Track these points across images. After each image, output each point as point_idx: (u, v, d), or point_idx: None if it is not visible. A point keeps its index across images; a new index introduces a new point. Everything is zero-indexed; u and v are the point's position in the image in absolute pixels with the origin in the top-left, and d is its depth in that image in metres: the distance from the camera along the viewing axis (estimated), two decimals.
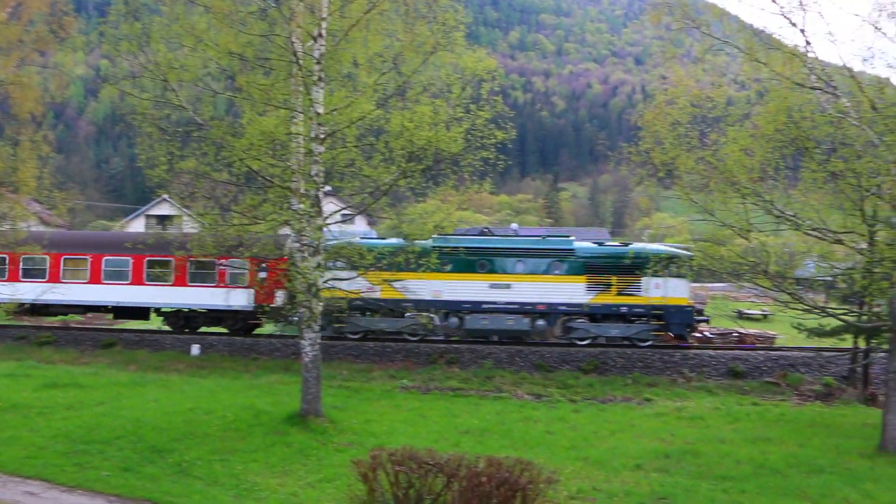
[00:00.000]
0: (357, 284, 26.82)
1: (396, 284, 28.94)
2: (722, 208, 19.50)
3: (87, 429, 18.32)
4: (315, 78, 18.91)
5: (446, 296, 30.90)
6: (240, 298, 31.55)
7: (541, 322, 31.09)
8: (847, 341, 27.74)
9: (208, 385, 25.12)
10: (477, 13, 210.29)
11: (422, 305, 30.65)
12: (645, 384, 27.66)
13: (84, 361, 29.09)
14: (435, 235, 28.69)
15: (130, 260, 32.18)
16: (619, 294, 30.46)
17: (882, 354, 20.33)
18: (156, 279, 32.51)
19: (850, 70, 19.40)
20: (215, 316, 33.22)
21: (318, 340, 20.00)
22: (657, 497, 14.80)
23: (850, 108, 18.92)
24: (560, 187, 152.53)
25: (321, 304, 19.87)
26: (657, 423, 22.14)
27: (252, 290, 31.63)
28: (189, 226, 25.18)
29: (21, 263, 32.55)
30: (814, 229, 19.12)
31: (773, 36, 20.12)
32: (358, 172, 20.29)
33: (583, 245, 32.08)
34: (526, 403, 24.88)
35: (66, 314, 36.32)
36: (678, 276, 30.40)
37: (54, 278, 32.59)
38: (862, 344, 25.88)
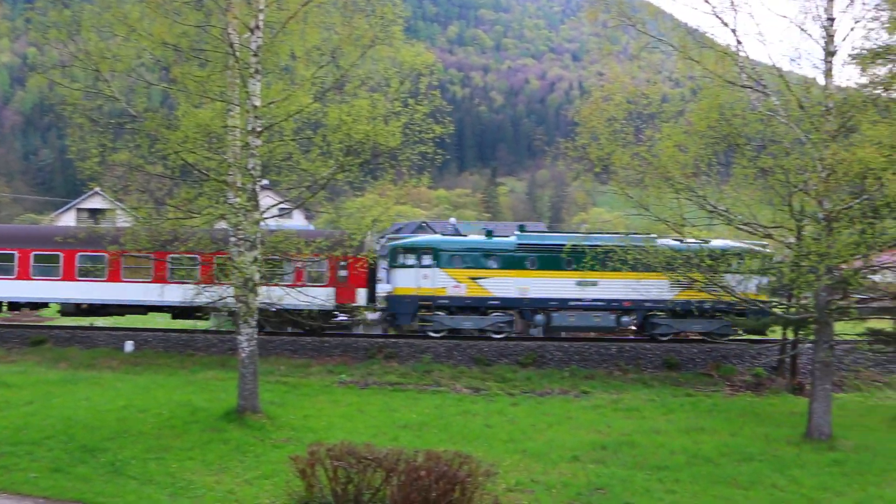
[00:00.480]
0: (442, 283, 29.01)
1: (482, 282, 29.67)
2: (657, 203, 19.82)
3: (13, 430, 17.74)
4: (252, 70, 18.67)
5: (533, 293, 31.02)
6: (319, 297, 30.59)
7: (625, 318, 31.43)
8: (776, 333, 28.53)
9: (143, 382, 24.63)
10: (416, 7, 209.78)
11: (508, 303, 30.93)
12: (582, 377, 28.03)
13: (11, 360, 28.15)
14: (520, 233, 30.83)
15: (198, 259, 30.57)
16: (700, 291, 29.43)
17: (809, 345, 20.91)
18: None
19: (778, 70, 19.91)
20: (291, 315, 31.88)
21: (255, 336, 19.77)
22: (594, 488, 15.04)
23: (778, 107, 19.43)
24: (498, 182, 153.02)
25: (258, 299, 19.65)
26: (594, 415, 22.47)
27: (333, 289, 31.21)
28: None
29: (77, 262, 31.56)
30: (745, 224, 19.59)
31: (706, 35, 20.58)
32: (295, 166, 20.09)
33: (666, 242, 30.93)
34: (465, 397, 24.99)
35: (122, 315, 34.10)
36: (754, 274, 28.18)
37: (114, 277, 31.24)
38: (790, 335, 26.57)
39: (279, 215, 21.99)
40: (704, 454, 17.81)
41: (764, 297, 22.74)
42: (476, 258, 31.08)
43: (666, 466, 16.69)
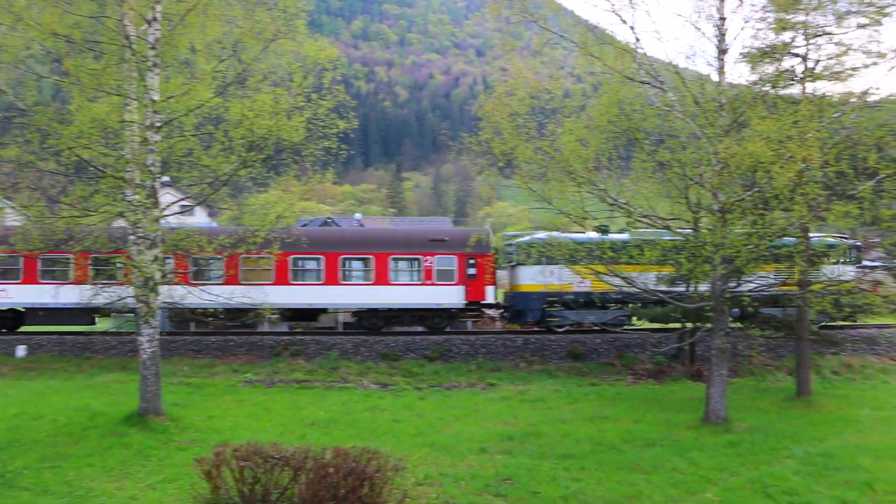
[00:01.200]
0: (569, 279, 29.81)
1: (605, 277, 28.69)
2: (559, 197, 20.13)
3: None
4: (150, 64, 18.14)
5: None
6: (450, 295, 31.00)
7: (735, 309, 30.44)
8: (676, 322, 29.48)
9: (37, 388, 23.70)
10: (319, 1, 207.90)
11: (630, 297, 30.38)
12: (489, 370, 28.33)
13: None
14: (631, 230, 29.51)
15: (323, 259, 31.22)
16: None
17: (706, 333, 21.65)
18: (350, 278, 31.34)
19: (675, 66, 20.53)
20: (420, 314, 32.32)
21: (157, 336, 19.26)
22: (502, 478, 15.23)
23: (675, 102, 20.04)
24: (403, 177, 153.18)
25: (158, 298, 19.16)
26: (501, 407, 22.75)
27: (463, 287, 31.50)
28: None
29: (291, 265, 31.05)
30: (644, 216, 20.13)
31: (606, 32, 21.02)
32: (196, 162, 19.64)
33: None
34: (372, 393, 24.97)
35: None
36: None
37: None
38: (689, 324, 27.46)
39: (180, 212, 21.45)
40: (608, 441, 18.26)
41: (664, 287, 23.41)
42: (592, 256, 30.09)
43: (572, 455, 17.04)
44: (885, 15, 21.42)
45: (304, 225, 42.10)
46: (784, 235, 19.68)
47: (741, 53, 22.08)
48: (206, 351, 29.45)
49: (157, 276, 18.86)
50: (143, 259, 18.49)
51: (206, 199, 21.12)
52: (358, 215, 67.60)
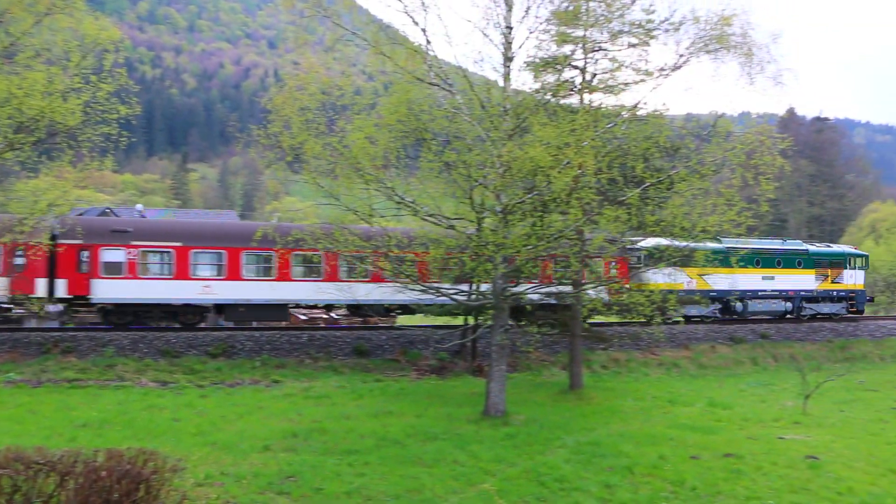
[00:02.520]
0: (681, 279, 36.05)
1: (706, 278, 37.65)
2: (347, 193, 20.13)
3: None
4: None
5: (738, 286, 39.61)
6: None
7: (788, 304, 41.60)
8: (459, 319, 30.36)
9: None
10: None
11: (721, 294, 39.23)
12: (273, 366, 27.84)
13: None
14: (725, 238, 35.26)
15: None
16: (833, 282, 43.17)
17: (487, 330, 22.47)
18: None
19: (463, 70, 21.14)
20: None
21: None
22: (285, 476, 15.06)
23: (463, 105, 20.64)
24: (189, 168, 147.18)
25: None
26: (285, 404, 22.47)
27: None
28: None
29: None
30: (430, 215, 20.55)
31: (399, 32, 21.28)
32: None
33: (812, 247, 44.42)
34: (150, 391, 23.86)
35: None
36: (861, 268, 44.69)
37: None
38: (471, 321, 28.35)
39: None
40: (392, 436, 18.52)
41: (448, 284, 24.02)
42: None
43: (356, 450, 17.14)
44: (652, 37, 23.27)
45: (81, 214, 39.39)
46: (561, 237, 20.74)
47: (525, 62, 23.10)
48: None
49: None
50: None
51: None
52: (139, 206, 64.34)
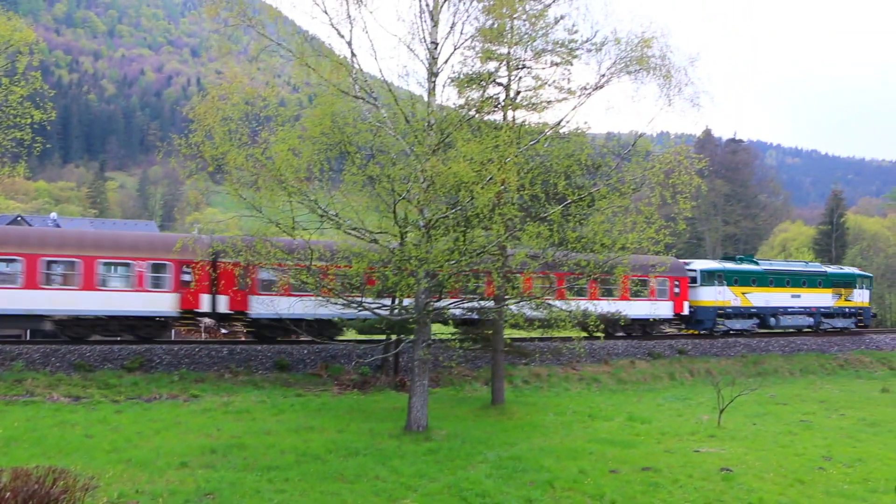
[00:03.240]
0: (728, 297, 42.87)
1: (748, 296, 43.72)
2: (269, 205, 19.91)
3: None
4: None
5: (771, 303, 45.10)
6: (661, 308, 40.42)
7: (810, 319, 47.39)
8: (381, 333, 30.26)
9: None
10: None
11: (760, 310, 44.68)
12: (192, 380, 27.27)
13: None
14: (762, 259, 48.15)
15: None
16: (846, 300, 49.08)
17: (410, 344, 22.45)
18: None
19: (388, 84, 21.14)
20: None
21: None
22: (203, 493, 14.74)
23: (387, 119, 20.66)
24: (107, 176, 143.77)
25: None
26: (204, 419, 22.03)
27: (672, 302, 40.69)
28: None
29: None
30: (353, 229, 20.47)
31: (324, 44, 21.18)
32: None
33: (829, 269, 50.39)
34: (62, 407, 23.10)
35: None
36: (867, 287, 50.95)
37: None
38: (393, 335, 28.26)
39: None
40: (313, 452, 18.32)
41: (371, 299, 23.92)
42: (745, 278, 44.21)
43: (276, 466, 16.89)
44: (575, 57, 23.73)
45: None
46: (484, 253, 20.87)
47: (450, 78, 23.26)
48: None
49: None
50: None
51: None
52: (53, 214, 62.54)
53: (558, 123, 22.92)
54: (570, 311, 23.23)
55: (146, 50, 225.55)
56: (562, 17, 23.62)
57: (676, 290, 40.86)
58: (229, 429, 20.76)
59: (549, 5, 23.36)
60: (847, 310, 49.35)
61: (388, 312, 23.20)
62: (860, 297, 50.04)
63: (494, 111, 24.64)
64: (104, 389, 25.45)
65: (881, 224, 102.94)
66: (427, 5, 20.86)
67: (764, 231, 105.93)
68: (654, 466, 18.43)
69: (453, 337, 26.83)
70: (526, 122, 24.07)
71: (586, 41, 23.48)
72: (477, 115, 22.43)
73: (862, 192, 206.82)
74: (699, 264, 44.21)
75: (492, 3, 20.43)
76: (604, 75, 22.40)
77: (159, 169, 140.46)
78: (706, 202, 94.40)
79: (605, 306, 35.16)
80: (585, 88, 22.93)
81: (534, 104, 24.34)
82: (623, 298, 38.08)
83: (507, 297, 23.32)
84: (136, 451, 17.74)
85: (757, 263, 46.55)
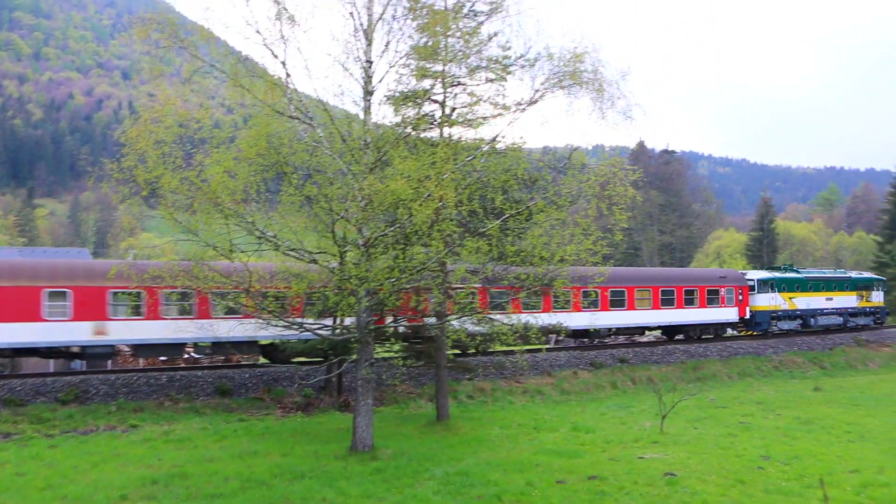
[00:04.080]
0: (778, 302, 49.52)
1: (793, 300, 50.55)
2: (206, 228, 19.65)
3: None
4: None
5: (811, 306, 51.68)
6: (729, 314, 46.47)
7: (840, 319, 54.03)
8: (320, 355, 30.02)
9: None
10: None
11: (803, 312, 51.27)
12: (131, 410, 26.66)
13: None
14: (801, 269, 56.09)
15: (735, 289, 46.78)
16: (867, 301, 56.29)
17: (353, 364, 22.33)
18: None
19: (324, 104, 21.10)
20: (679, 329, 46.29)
21: None
22: None
23: (323, 139, 20.60)
24: (36, 204, 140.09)
25: None
26: (144, 450, 21.54)
27: (737, 308, 46.68)
28: None
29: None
30: (292, 250, 20.31)
31: (257, 64, 21.04)
32: None
33: (853, 274, 57.65)
34: None
35: None
36: (882, 289, 58.75)
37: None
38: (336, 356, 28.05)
39: None
40: (258, 477, 18.05)
41: (311, 319, 23.74)
42: (791, 285, 50.66)
43: (220, 494, 16.61)
44: (509, 73, 24.00)
45: None
46: (424, 269, 20.90)
47: (386, 96, 23.30)
48: None
49: None
50: None
51: None
52: None
53: (494, 139, 23.15)
54: (512, 325, 23.34)
55: (74, 73, 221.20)
56: (495, 34, 23.91)
57: (740, 297, 47.16)
58: (170, 458, 20.33)
59: (483, 22, 23.65)
60: (868, 309, 56.84)
61: (329, 333, 23.05)
62: (877, 297, 57.96)
63: (431, 128, 24.75)
64: (37, 424, 24.69)
65: (808, 229, 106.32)
66: (361, 24, 20.91)
67: (699, 239, 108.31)
68: (600, 475, 18.59)
69: (396, 355, 26.77)
70: (462, 139, 24.24)
71: (520, 57, 23.82)
72: (413, 133, 22.52)
73: (790, 198, 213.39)
74: (755, 274, 51.14)
75: (426, 21, 20.56)
76: (538, 90, 22.72)
77: (91, 195, 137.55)
78: (642, 213, 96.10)
79: (587, 318, 39.24)
80: (520, 104, 23.20)
81: (469, 120, 24.52)
82: (701, 306, 45.01)
83: (448, 312, 23.37)
84: (72, 487, 17.25)
85: (798, 272, 53.95)
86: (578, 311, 38.56)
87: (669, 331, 46.88)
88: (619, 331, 44.88)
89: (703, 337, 46.88)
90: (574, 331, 39.35)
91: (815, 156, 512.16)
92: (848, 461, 20.43)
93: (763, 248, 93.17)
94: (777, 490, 17.40)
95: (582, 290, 37.29)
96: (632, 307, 41.62)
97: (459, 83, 24.45)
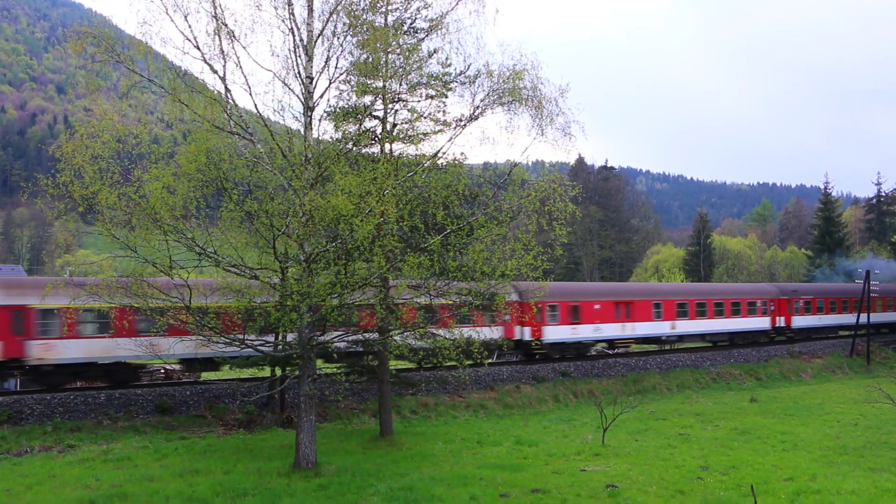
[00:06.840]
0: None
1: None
2: (145, 245, 19.41)
3: None
4: None
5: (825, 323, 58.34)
6: (762, 322, 53.06)
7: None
8: (266, 370, 29.79)
9: None
10: None
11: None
12: (67, 430, 26.09)
13: None
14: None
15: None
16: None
17: (295, 380, 22.21)
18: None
19: (264, 119, 21.05)
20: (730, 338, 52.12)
21: None
22: None
23: (264, 154, 20.56)
24: None
25: None
26: (81, 470, 21.12)
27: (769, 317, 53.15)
28: None
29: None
30: (233, 265, 20.19)
31: (196, 79, 20.92)
32: None
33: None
34: None
35: None
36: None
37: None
38: (278, 372, 27.89)
39: None
40: (199, 496, 17.86)
41: (253, 336, 23.58)
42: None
43: None
44: (449, 89, 24.30)
45: None
46: (366, 285, 20.94)
47: (326, 112, 23.35)
48: None
49: None
50: None
51: None
52: None
53: (435, 155, 23.36)
54: (454, 339, 23.48)
55: (6, 86, 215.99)
56: (435, 51, 24.20)
57: (772, 307, 53.59)
58: (109, 478, 19.96)
59: (423, 39, 23.91)
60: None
61: (271, 349, 22.92)
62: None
63: (372, 144, 24.88)
64: None
65: (743, 244, 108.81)
66: (301, 40, 20.95)
67: (637, 254, 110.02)
68: (543, 488, 18.82)
69: (339, 370, 26.71)
70: (403, 154, 24.42)
71: (460, 74, 24.12)
72: (354, 149, 22.59)
73: (725, 213, 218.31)
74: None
75: (366, 37, 20.69)
76: (478, 107, 23.01)
77: (25, 211, 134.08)
78: (582, 228, 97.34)
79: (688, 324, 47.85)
80: (460, 120, 23.49)
81: (410, 136, 24.72)
82: (744, 316, 51.58)
83: (390, 328, 23.43)
84: None
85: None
86: (673, 319, 47.22)
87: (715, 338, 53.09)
88: (690, 337, 50.81)
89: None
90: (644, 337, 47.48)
91: (748, 172, 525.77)
92: (783, 469, 21.05)
93: (700, 263, 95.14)
94: (716, 500, 17.84)
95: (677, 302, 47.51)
96: (711, 316, 49.42)
97: (400, 99, 24.65)
